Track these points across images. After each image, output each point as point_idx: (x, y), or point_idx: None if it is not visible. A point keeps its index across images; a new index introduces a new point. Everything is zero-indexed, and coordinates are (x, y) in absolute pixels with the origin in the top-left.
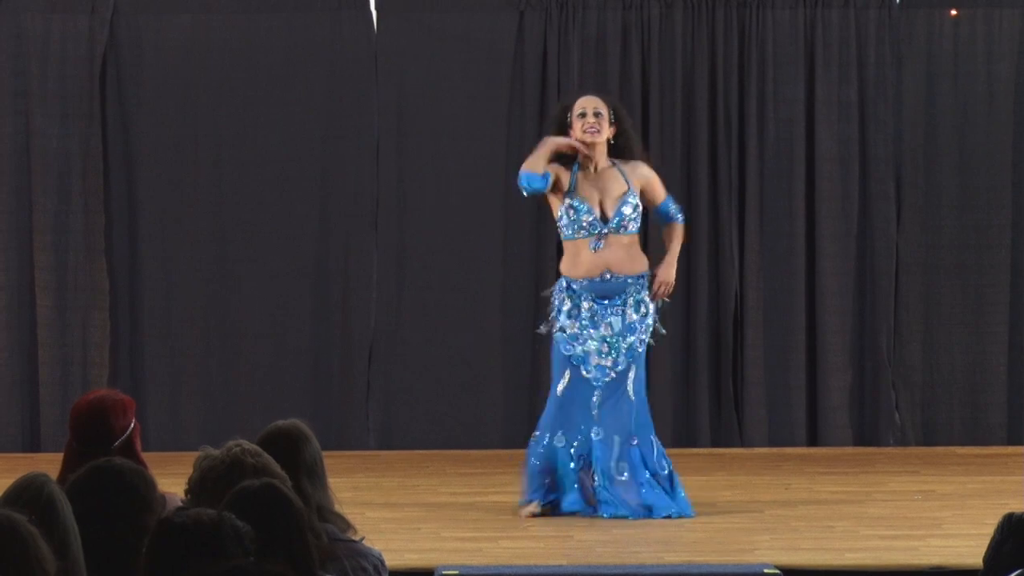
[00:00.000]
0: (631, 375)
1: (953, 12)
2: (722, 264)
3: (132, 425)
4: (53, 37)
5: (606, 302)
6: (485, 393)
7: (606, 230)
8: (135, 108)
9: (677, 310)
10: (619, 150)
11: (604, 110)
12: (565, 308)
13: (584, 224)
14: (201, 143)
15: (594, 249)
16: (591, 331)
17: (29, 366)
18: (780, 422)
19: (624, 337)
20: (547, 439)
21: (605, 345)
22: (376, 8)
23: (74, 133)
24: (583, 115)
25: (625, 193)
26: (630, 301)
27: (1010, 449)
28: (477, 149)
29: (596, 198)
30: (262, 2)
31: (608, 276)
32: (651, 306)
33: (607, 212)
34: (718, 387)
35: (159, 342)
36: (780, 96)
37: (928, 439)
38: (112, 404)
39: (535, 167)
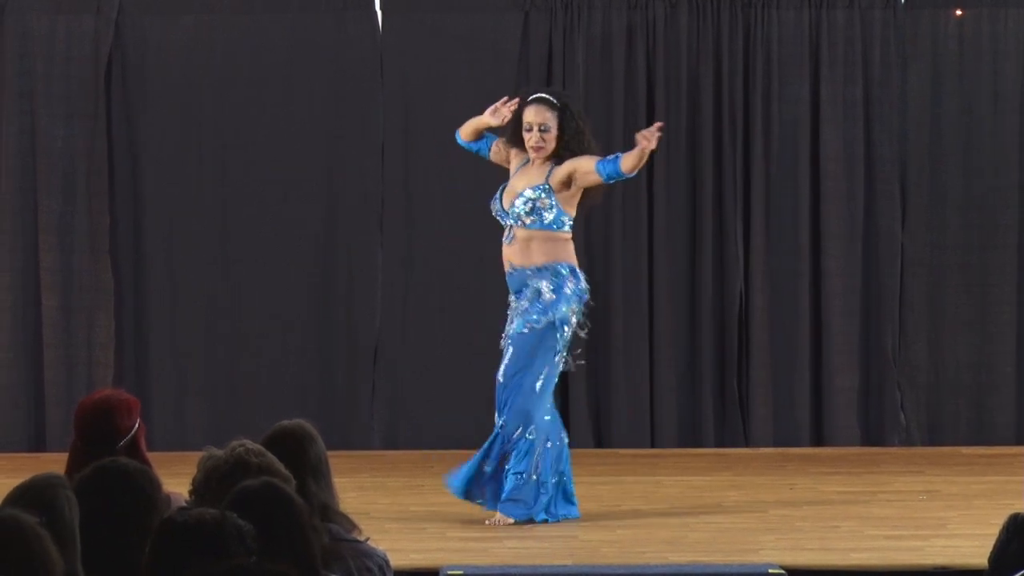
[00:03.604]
0: (507, 358)
1: (958, 12)
2: (727, 264)
3: (137, 425)
4: (58, 37)
5: (518, 296)
6: (490, 392)
7: (509, 221)
8: (140, 108)
9: (682, 310)
10: (569, 151)
11: (551, 121)
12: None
13: (493, 213)
14: (206, 143)
15: (505, 242)
16: (509, 328)
17: (34, 366)
18: (785, 422)
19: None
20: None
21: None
22: (381, 8)
23: (79, 133)
24: (529, 129)
25: (536, 183)
26: (528, 293)
27: (1015, 449)
28: None
29: (512, 189)
30: (267, 2)
31: (511, 270)
32: (560, 308)
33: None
34: (723, 387)
35: (164, 342)
36: (785, 96)
37: (933, 439)
38: (117, 404)
39: (462, 130)
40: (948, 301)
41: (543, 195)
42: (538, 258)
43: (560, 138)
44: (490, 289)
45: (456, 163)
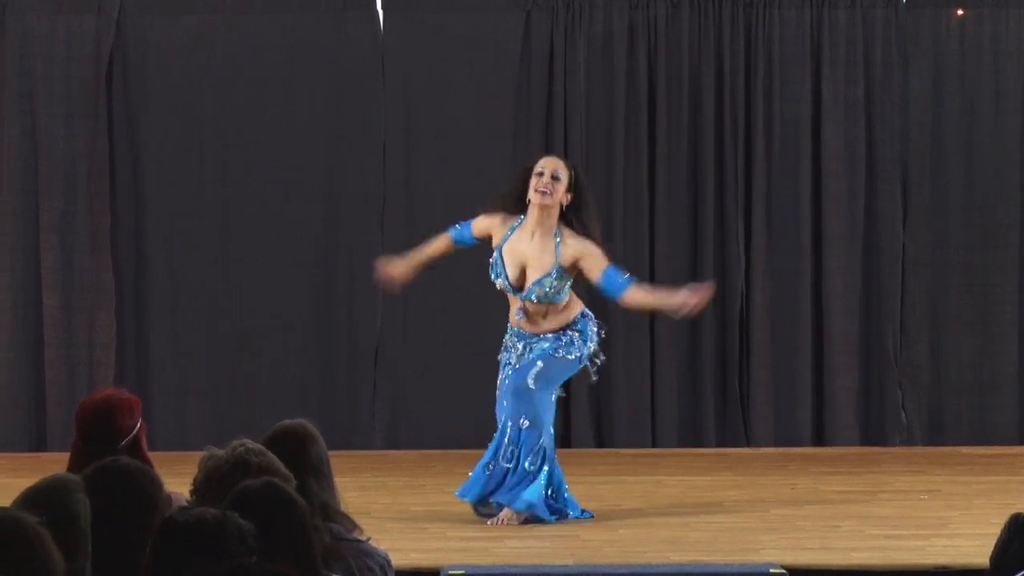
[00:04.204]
0: (536, 368)
1: (959, 12)
2: (728, 264)
3: (138, 425)
4: (59, 37)
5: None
6: (491, 393)
7: (521, 296)
8: (141, 108)
9: None
10: (571, 220)
11: (564, 175)
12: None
13: (498, 287)
14: (207, 143)
15: (517, 317)
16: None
17: (35, 366)
18: (786, 422)
19: (538, 343)
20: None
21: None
22: (382, 8)
23: (80, 133)
24: (540, 174)
25: (550, 269)
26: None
27: (1016, 449)
28: (483, 148)
29: (519, 262)
30: (268, 2)
31: (523, 335)
32: (586, 348)
33: (525, 281)
34: (724, 387)
35: (165, 342)
36: (787, 96)
37: (934, 439)
38: (118, 404)
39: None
40: (949, 301)
41: (557, 279)
42: (552, 325)
43: (569, 198)
44: (490, 289)
45: (457, 163)
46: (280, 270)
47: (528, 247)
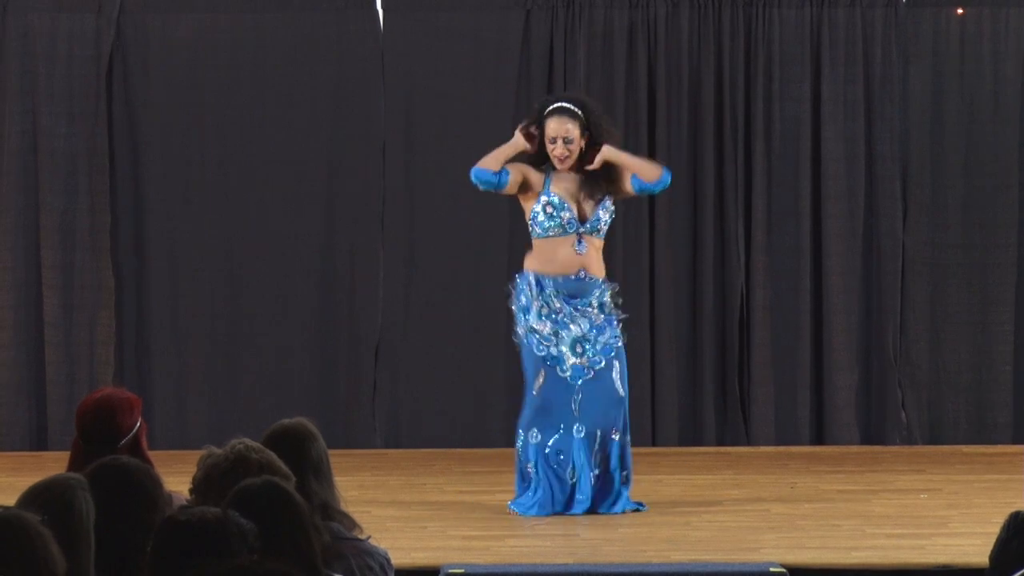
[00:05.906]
0: (616, 371)
1: (959, 11)
2: (728, 263)
3: (139, 423)
4: (60, 36)
5: (575, 302)
6: (491, 392)
7: (583, 230)
8: (141, 107)
9: (683, 309)
10: (590, 155)
11: (575, 132)
12: (535, 308)
13: (563, 221)
14: (207, 142)
15: (578, 250)
16: (563, 332)
17: (36, 364)
18: (786, 421)
19: (597, 335)
20: (523, 438)
21: (579, 345)
22: (382, 7)
23: (80, 132)
24: (554, 141)
25: (604, 198)
26: (594, 303)
27: (1016, 448)
28: (483, 147)
29: (573, 198)
30: (269, 1)
31: (583, 275)
32: (615, 311)
33: (585, 213)
34: (724, 386)
35: (165, 340)
36: (786, 95)
37: (934, 438)
38: (119, 402)
39: (488, 164)
40: (949, 299)
41: (612, 206)
42: (602, 269)
43: (587, 138)
44: (491, 288)
45: (457, 161)
46: (280, 270)
47: (571, 183)
